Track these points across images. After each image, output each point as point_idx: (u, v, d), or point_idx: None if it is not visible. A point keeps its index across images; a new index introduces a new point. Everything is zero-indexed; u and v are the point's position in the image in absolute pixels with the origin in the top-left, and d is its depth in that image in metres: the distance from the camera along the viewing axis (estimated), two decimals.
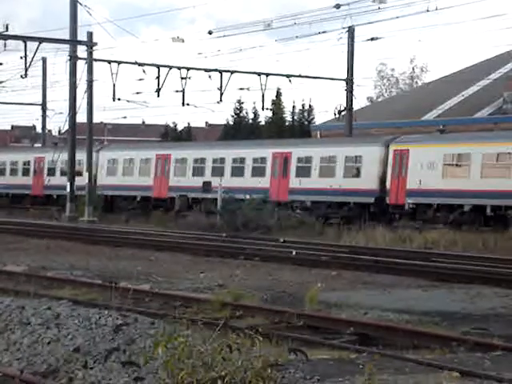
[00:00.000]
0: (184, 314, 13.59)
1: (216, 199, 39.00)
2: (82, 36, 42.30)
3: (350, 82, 45.79)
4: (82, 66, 42.31)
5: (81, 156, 44.22)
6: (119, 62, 40.72)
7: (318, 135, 56.12)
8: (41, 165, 52.45)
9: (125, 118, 76.42)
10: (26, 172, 53.68)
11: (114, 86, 40.53)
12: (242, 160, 41.74)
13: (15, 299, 11.59)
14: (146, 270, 20.50)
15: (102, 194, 46.07)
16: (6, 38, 39.33)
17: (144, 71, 41.34)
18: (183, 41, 43.83)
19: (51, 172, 51.07)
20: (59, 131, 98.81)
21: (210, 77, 42.04)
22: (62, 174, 48.15)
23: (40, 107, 62.25)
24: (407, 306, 15.16)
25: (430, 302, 16.15)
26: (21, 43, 39.34)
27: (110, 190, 46.71)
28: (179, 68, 41.51)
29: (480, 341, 11.40)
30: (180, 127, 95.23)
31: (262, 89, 43.07)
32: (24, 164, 54.07)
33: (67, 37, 42.33)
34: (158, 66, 41.33)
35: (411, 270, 20.97)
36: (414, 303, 15.69)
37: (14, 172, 54.72)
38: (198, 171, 43.45)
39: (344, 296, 16.35)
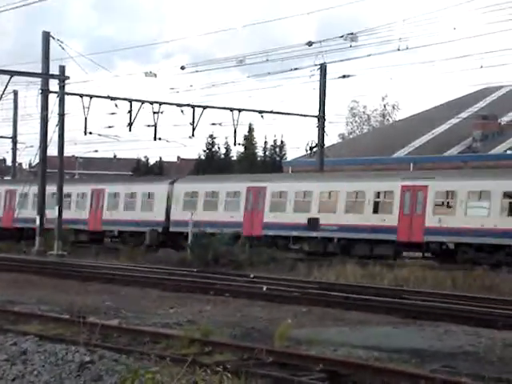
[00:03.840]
0: (153, 349, 13.47)
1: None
2: (54, 69, 42.34)
3: (321, 118, 46.02)
4: (53, 100, 42.25)
5: None
6: (91, 96, 40.68)
7: (290, 171, 56.35)
8: None
9: (96, 151, 76.22)
10: None
11: (85, 119, 40.52)
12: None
13: None
14: (114, 305, 20.32)
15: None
16: None
17: (116, 105, 41.37)
18: (156, 76, 43.96)
19: None
20: (30, 164, 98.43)
21: (182, 111, 42.16)
22: None
23: (11, 140, 62.02)
24: (377, 343, 15.13)
25: (400, 339, 16.13)
26: None
27: None
28: (151, 102, 41.55)
29: (448, 379, 11.38)
30: (152, 161, 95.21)
31: (234, 124, 43.23)
32: None
33: (40, 70, 42.27)
34: (131, 101, 41.34)
35: (381, 306, 20.96)
36: (384, 340, 15.66)
37: None
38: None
39: (314, 332, 16.28)
